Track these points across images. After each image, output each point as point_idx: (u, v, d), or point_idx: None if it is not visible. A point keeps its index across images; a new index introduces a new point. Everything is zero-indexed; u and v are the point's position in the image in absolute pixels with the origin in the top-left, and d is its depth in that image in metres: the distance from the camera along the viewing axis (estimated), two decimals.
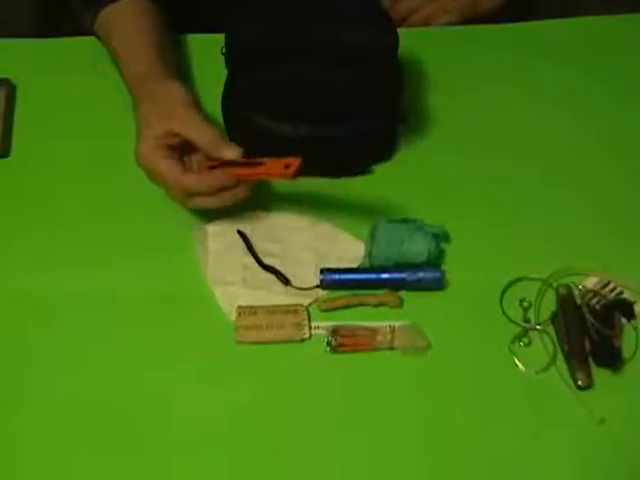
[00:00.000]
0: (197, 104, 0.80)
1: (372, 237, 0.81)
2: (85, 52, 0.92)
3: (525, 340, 0.77)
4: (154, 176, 0.77)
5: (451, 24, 1.04)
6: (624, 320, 0.78)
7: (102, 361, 0.76)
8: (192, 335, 0.77)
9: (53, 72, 0.96)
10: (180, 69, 0.90)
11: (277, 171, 0.74)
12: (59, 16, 0.96)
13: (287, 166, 0.73)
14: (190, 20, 0.97)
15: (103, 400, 0.74)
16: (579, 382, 0.74)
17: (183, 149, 0.78)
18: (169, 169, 0.76)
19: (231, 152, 0.75)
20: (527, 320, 0.78)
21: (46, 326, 0.78)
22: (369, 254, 0.80)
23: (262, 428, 0.73)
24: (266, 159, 0.75)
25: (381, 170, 0.88)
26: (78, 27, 0.90)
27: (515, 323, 0.78)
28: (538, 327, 0.78)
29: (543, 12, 1.05)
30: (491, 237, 0.84)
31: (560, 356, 0.76)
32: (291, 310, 0.78)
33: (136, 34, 0.85)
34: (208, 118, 0.80)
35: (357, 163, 0.87)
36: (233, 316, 0.78)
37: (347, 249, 0.82)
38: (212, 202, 0.77)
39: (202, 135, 0.76)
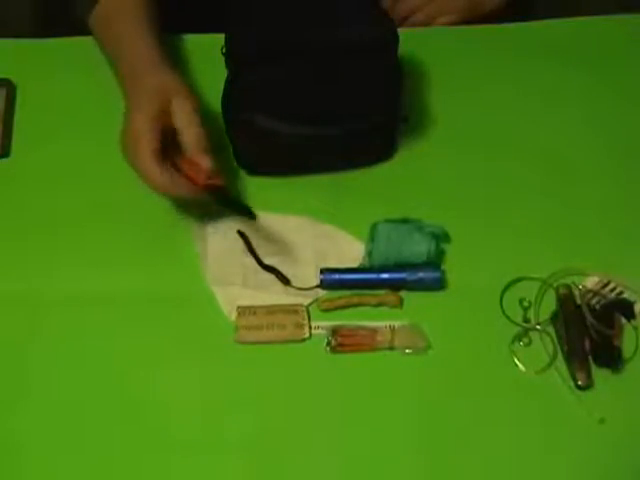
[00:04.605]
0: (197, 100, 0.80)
1: (372, 237, 0.81)
2: (85, 52, 0.92)
3: (525, 340, 0.77)
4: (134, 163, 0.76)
5: (451, 24, 1.04)
6: (624, 320, 0.78)
7: (102, 361, 0.76)
8: (192, 335, 0.77)
9: (53, 72, 0.96)
10: (180, 69, 0.90)
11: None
12: (57, 12, 0.95)
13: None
14: (190, 20, 0.97)
15: (103, 400, 0.74)
16: (579, 382, 0.74)
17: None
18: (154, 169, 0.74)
19: (206, 161, 0.75)
20: (527, 320, 0.78)
21: (45, 326, 0.78)
22: (369, 254, 0.80)
23: (262, 428, 0.73)
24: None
25: (381, 170, 0.88)
26: (72, 17, 0.90)
27: (515, 323, 0.78)
28: (538, 327, 0.78)
29: (543, 12, 1.05)
30: (491, 237, 0.84)
31: (560, 356, 0.76)
32: (291, 310, 0.78)
33: (138, 22, 0.85)
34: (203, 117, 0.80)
35: (357, 162, 0.88)
36: (233, 316, 0.78)
37: (347, 249, 0.82)
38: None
39: (188, 131, 0.76)
